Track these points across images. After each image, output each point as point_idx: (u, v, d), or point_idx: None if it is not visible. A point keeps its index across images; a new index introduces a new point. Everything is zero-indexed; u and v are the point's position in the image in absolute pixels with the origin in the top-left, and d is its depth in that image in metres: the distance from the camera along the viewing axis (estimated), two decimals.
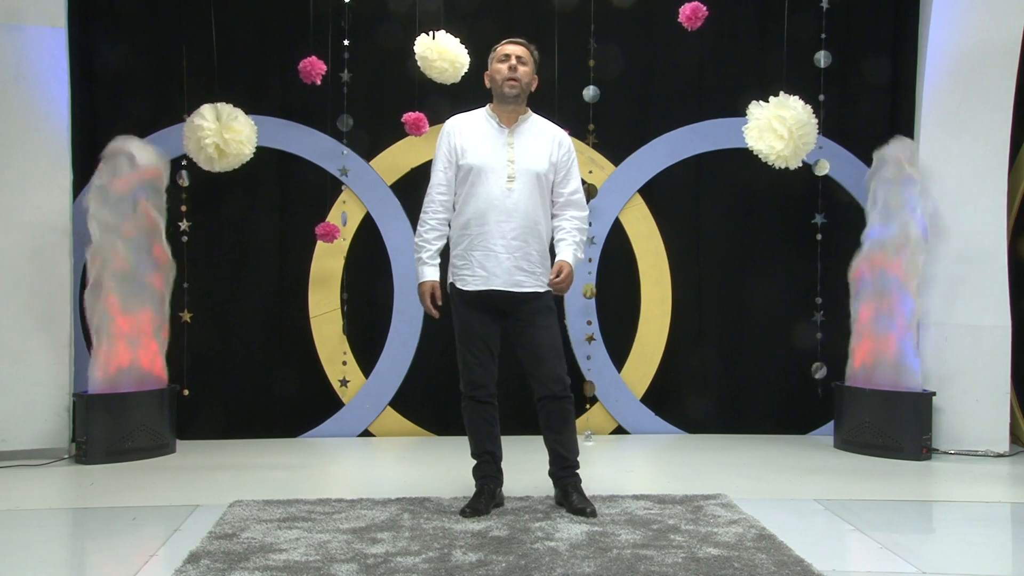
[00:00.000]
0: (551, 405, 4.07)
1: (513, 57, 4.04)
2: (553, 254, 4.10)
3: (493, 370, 4.09)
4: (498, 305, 4.02)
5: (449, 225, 4.10)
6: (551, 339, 4.06)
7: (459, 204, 4.07)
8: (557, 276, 3.98)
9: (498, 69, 4.07)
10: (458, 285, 4.06)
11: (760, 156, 5.40)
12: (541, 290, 4.04)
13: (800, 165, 5.47)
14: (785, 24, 5.72)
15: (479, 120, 4.12)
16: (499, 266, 3.97)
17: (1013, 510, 4.36)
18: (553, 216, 4.12)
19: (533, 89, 4.14)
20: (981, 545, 3.74)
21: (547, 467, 4.19)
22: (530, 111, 4.15)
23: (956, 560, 3.53)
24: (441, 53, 5.32)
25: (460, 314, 4.08)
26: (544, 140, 4.09)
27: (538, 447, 4.26)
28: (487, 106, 4.16)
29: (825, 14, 5.68)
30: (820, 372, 5.92)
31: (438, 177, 4.09)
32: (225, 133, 5.35)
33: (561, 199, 4.11)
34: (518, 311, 4.03)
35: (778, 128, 5.29)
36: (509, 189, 3.97)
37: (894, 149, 5.50)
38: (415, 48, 5.39)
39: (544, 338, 4.03)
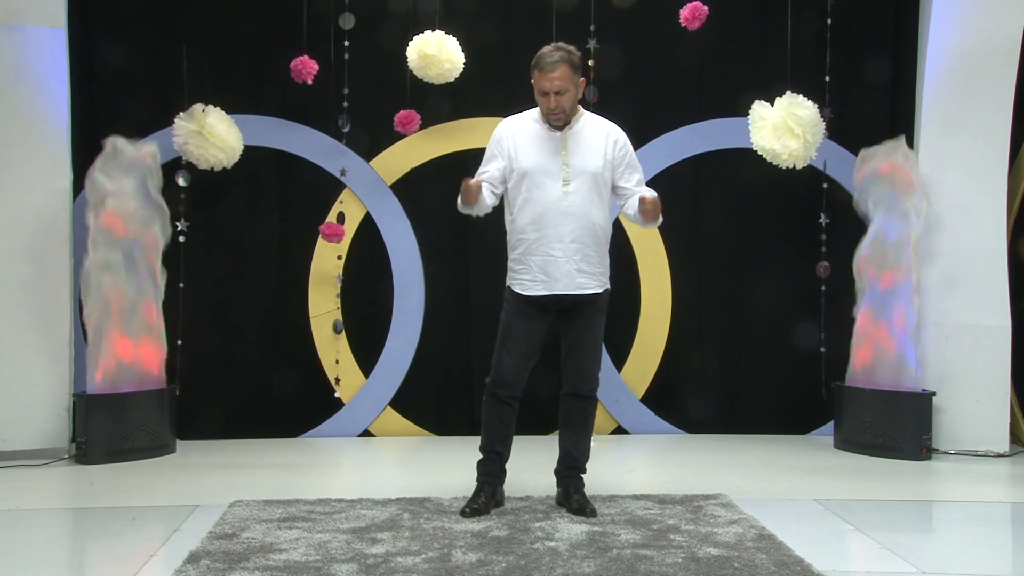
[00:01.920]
0: (574, 403, 4.11)
1: (551, 95, 3.90)
2: (611, 254, 4.09)
3: (523, 375, 4.06)
4: (559, 307, 4.01)
5: (493, 195, 4.03)
6: (594, 338, 4.08)
7: (516, 210, 4.01)
8: (646, 204, 3.89)
9: (540, 101, 3.98)
10: (517, 289, 4.02)
11: (767, 156, 5.37)
12: (600, 290, 4.04)
13: (805, 164, 5.47)
14: (789, 24, 5.71)
15: (531, 123, 4.05)
16: (559, 270, 3.94)
17: (1013, 510, 4.37)
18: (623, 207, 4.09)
19: (581, 95, 4.03)
20: (981, 545, 3.75)
21: (550, 467, 4.20)
22: (582, 110, 4.07)
23: (956, 560, 3.53)
24: (447, 54, 5.33)
25: (509, 316, 4.06)
26: (598, 139, 4.01)
27: (540, 447, 4.27)
28: (538, 108, 4.06)
29: (825, 14, 5.69)
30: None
31: (486, 166, 4.03)
32: (208, 148, 5.41)
33: (628, 193, 4.05)
34: (575, 311, 4.03)
35: (794, 128, 5.29)
36: (565, 192, 3.93)
37: (888, 153, 5.48)
38: (416, 46, 5.37)
39: (588, 337, 4.06)
